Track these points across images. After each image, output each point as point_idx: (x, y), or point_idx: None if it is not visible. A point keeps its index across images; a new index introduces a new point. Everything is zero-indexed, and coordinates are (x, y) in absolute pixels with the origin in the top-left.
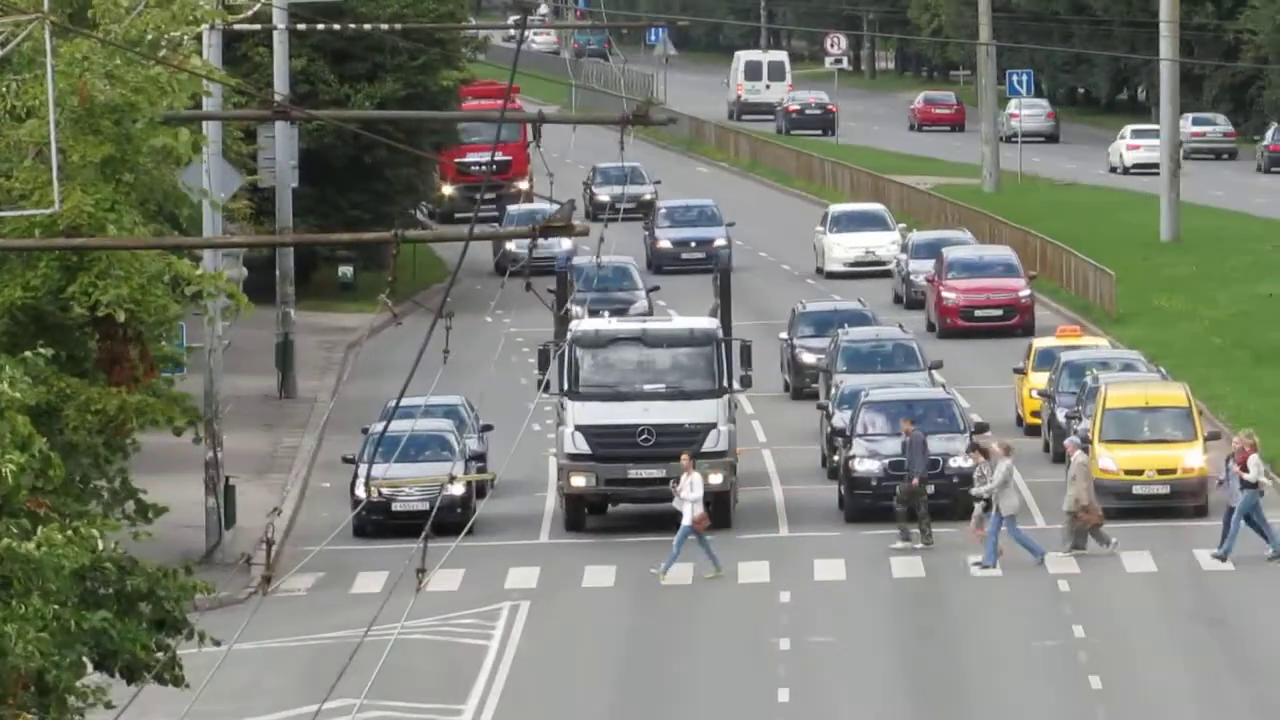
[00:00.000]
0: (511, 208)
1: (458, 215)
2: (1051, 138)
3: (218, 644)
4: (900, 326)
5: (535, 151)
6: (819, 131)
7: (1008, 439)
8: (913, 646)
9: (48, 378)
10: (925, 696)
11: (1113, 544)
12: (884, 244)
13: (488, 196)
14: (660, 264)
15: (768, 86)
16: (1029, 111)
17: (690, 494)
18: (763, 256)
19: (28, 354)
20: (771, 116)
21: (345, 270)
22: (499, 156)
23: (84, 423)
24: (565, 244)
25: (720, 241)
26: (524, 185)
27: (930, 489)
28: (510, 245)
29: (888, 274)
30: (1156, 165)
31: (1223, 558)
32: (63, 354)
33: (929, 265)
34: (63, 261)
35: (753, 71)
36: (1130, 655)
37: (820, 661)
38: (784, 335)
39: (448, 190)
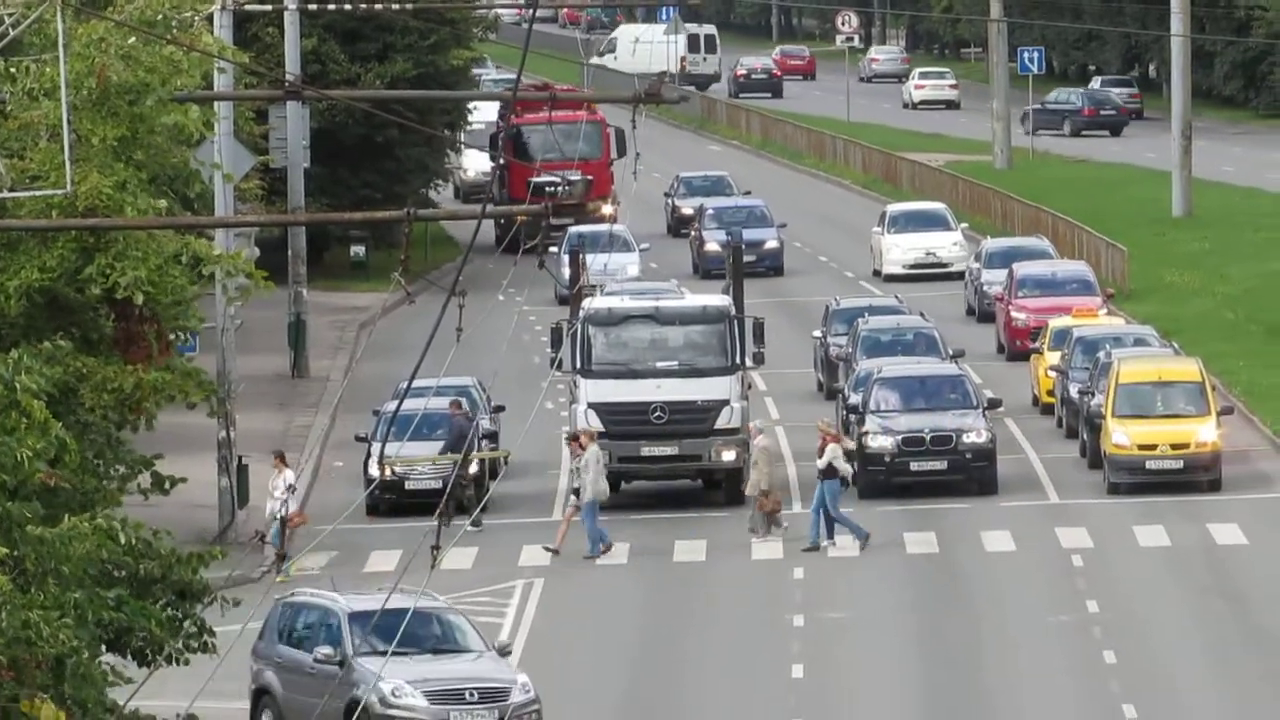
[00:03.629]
0: (573, 228)
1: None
2: (952, 104)
3: (238, 604)
4: (921, 314)
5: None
6: (767, 94)
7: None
8: (927, 622)
9: (63, 359)
10: (939, 672)
11: (784, 527)
12: (946, 245)
13: (565, 222)
14: (708, 269)
15: (704, 59)
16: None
17: (278, 494)
18: (808, 253)
19: (46, 344)
20: (700, 87)
21: (358, 250)
22: (578, 176)
23: (100, 402)
24: (631, 270)
25: (772, 244)
26: (608, 210)
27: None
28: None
29: (950, 276)
30: (940, 101)
31: (862, 544)
32: (77, 334)
33: (1004, 275)
34: (80, 243)
35: (694, 45)
36: (1144, 630)
37: (834, 637)
38: (817, 333)
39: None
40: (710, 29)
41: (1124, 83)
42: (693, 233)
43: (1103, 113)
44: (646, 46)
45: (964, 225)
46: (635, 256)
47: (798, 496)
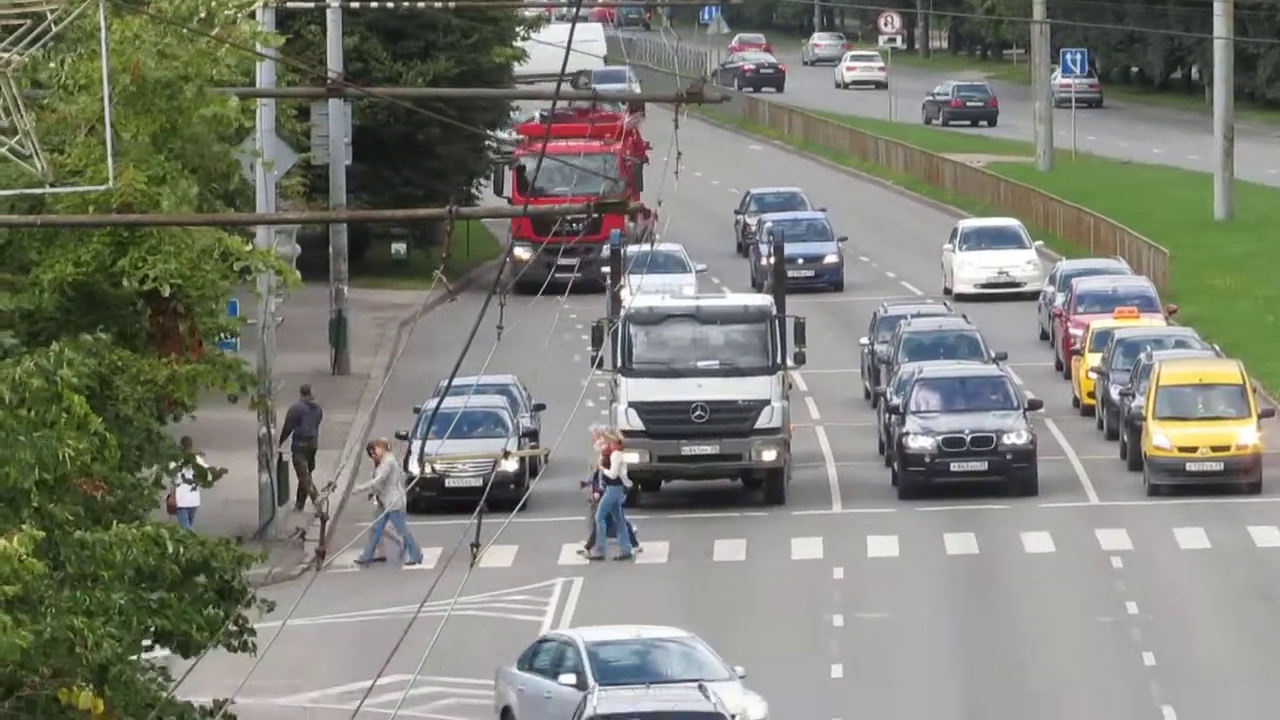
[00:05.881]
0: (632, 248)
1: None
2: (880, 85)
3: (271, 609)
4: (964, 317)
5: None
6: (772, 89)
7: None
8: (965, 623)
9: (99, 351)
10: (978, 672)
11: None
12: (1019, 263)
13: (569, 263)
14: (764, 282)
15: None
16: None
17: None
18: (873, 267)
19: (86, 336)
20: None
21: (399, 247)
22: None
23: (135, 394)
24: (687, 292)
25: (832, 258)
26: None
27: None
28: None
29: (1023, 296)
30: (870, 81)
31: (599, 556)
32: (114, 330)
33: None
34: (114, 237)
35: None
36: (1184, 632)
37: (873, 638)
38: (864, 340)
39: (521, 253)
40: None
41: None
42: (752, 248)
43: (969, 105)
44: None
45: (1038, 243)
46: (691, 278)
47: (838, 498)
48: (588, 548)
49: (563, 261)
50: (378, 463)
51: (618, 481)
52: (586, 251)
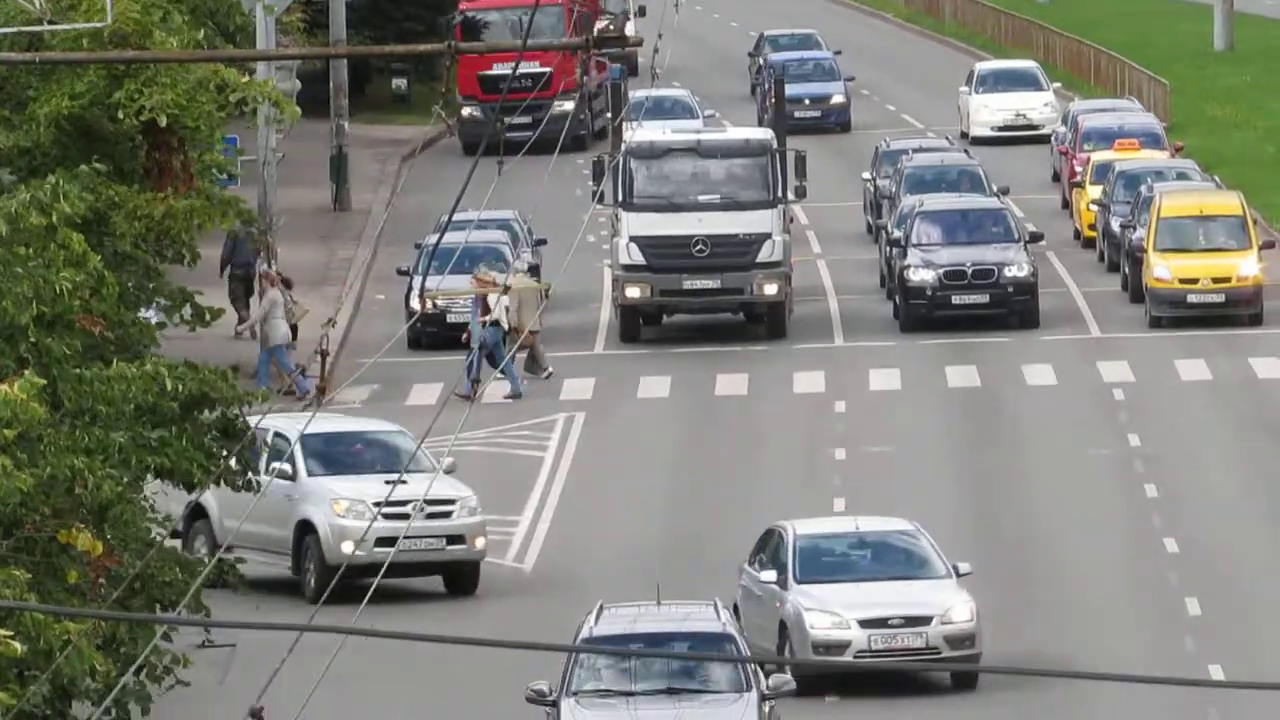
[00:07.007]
0: (637, 93)
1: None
2: None
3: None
4: (966, 152)
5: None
6: None
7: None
8: (968, 455)
9: (96, 187)
10: (981, 506)
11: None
12: (1036, 106)
13: (522, 121)
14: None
15: None
16: None
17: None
18: (877, 103)
19: (82, 168)
20: None
21: (399, 82)
22: (536, 68)
23: (131, 230)
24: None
25: (839, 98)
26: (568, 106)
27: None
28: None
29: (1041, 139)
30: None
31: (516, 395)
32: (111, 166)
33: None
34: (110, 70)
35: None
36: (1185, 463)
37: (876, 470)
38: (866, 175)
39: (467, 111)
40: None
41: None
42: (758, 88)
43: None
44: None
45: (1056, 85)
46: (698, 124)
47: (839, 331)
48: (515, 388)
49: (516, 120)
50: (262, 295)
51: (496, 323)
52: (539, 109)
